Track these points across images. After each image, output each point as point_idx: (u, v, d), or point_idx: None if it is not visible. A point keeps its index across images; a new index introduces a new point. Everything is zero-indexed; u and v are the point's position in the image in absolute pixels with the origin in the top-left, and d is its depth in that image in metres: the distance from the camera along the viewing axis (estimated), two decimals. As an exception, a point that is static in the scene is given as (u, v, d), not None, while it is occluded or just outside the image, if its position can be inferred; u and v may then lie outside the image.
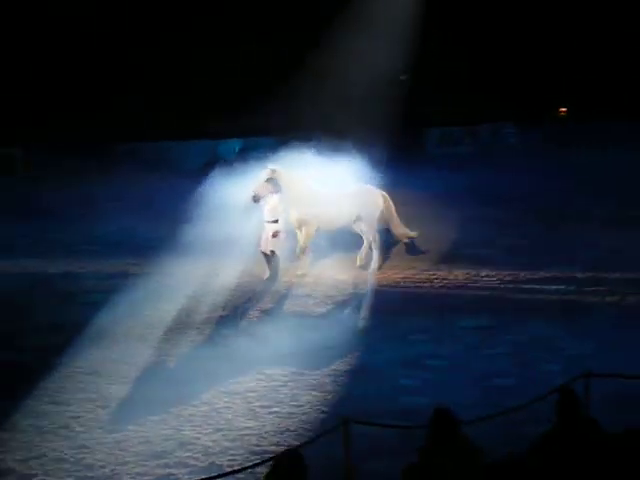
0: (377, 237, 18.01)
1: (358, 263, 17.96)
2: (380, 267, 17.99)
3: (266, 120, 32.90)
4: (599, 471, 7.27)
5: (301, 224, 17.50)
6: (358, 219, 17.90)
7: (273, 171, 16.98)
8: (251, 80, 37.25)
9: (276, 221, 17.13)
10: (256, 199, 16.82)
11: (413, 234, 18.68)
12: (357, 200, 17.76)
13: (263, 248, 17.20)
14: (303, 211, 17.33)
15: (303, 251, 17.56)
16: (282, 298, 16.40)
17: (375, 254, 17.96)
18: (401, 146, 32.18)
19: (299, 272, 17.52)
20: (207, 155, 31.42)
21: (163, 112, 35.68)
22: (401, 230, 18.48)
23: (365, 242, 18.11)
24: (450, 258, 19.00)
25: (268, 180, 16.87)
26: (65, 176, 28.32)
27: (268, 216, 17.14)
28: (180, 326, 14.68)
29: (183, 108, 35.77)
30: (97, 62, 36.45)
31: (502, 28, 42.14)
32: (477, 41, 41.47)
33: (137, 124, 34.21)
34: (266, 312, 15.53)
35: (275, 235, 17.02)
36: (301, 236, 17.61)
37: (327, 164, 17.55)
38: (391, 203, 18.22)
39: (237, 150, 31.93)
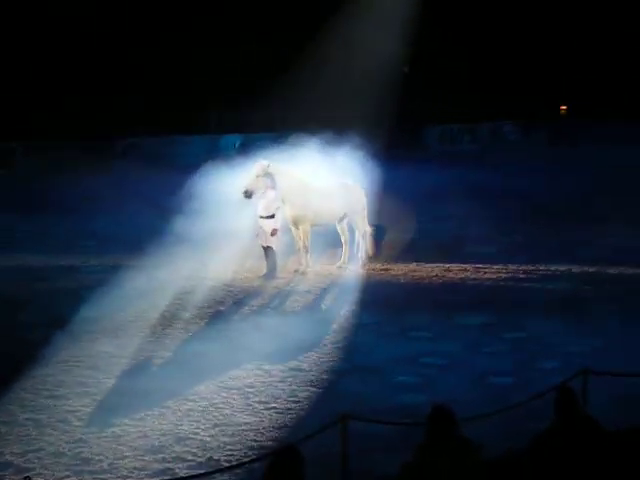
0: (368, 229, 17.98)
1: (339, 264, 17.90)
2: (369, 261, 17.96)
3: (266, 115, 32.94)
4: (598, 469, 7.27)
5: (296, 221, 17.45)
6: (345, 216, 17.88)
7: (265, 166, 16.91)
8: (251, 74, 37.28)
9: (272, 216, 17.08)
10: (248, 195, 16.74)
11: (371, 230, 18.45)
12: (346, 196, 17.72)
13: (262, 243, 17.19)
14: (298, 207, 17.29)
15: (306, 249, 17.52)
16: (280, 293, 16.39)
17: (363, 248, 17.91)
18: (401, 143, 32.22)
19: (300, 270, 17.49)
20: (208, 150, 31.41)
21: (163, 107, 35.72)
22: (367, 227, 18.28)
23: (343, 242, 18.02)
24: (449, 255, 19.00)
25: (260, 175, 16.79)
26: (64, 171, 28.33)
27: (263, 211, 17.08)
28: (178, 321, 14.67)
29: (183, 103, 35.81)
30: (98, 59, 36.47)
31: (503, 26, 42.16)
32: (478, 38, 41.49)
33: (137, 120, 34.22)
34: (264, 307, 15.52)
35: (274, 233, 17.00)
36: (297, 233, 17.57)
37: (322, 159, 17.53)
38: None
39: (237, 145, 31.93)
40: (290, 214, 17.38)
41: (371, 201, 18.22)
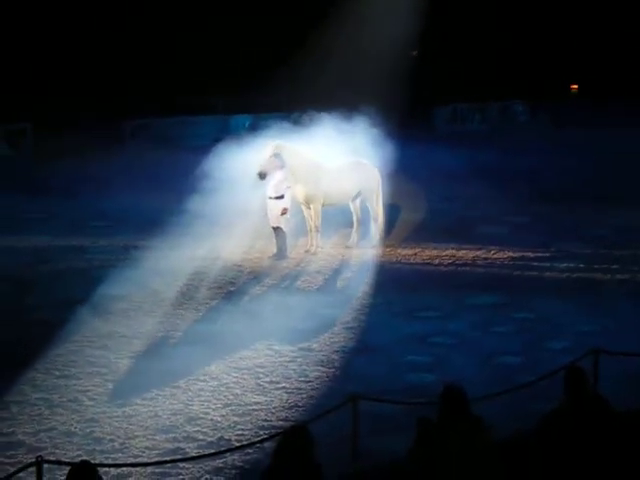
0: (381, 211, 17.96)
1: (348, 244, 17.90)
2: (381, 241, 17.94)
3: (275, 95, 32.87)
4: (607, 448, 7.28)
5: (308, 200, 17.46)
6: (359, 194, 17.85)
7: (277, 146, 16.93)
8: (260, 55, 37.18)
9: (281, 197, 17.06)
10: (262, 176, 16.78)
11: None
12: (358, 175, 17.69)
13: (272, 224, 17.19)
14: (310, 187, 17.29)
15: (317, 229, 17.53)
16: (290, 274, 16.41)
17: (376, 228, 17.90)
18: (411, 123, 32.12)
19: (311, 250, 17.50)
20: (217, 130, 31.36)
21: (173, 88, 35.68)
22: (380, 209, 18.23)
23: (355, 222, 18.02)
24: (459, 236, 18.97)
25: (273, 155, 16.81)
26: (74, 152, 28.31)
27: (272, 192, 17.06)
28: (189, 301, 14.71)
29: (191, 84, 35.76)
30: (107, 41, 36.43)
31: (513, 6, 41.90)
32: (488, 19, 41.26)
33: (146, 100, 34.20)
34: (274, 288, 15.55)
35: (284, 212, 16.99)
36: (308, 212, 17.57)
37: (334, 138, 17.49)
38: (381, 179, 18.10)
39: (247, 125, 31.87)
40: (301, 193, 17.38)
41: (383, 181, 18.16)
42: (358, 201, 17.99)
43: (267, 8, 38.33)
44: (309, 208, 17.52)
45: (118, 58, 36.81)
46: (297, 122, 19.29)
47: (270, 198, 17.09)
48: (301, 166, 17.14)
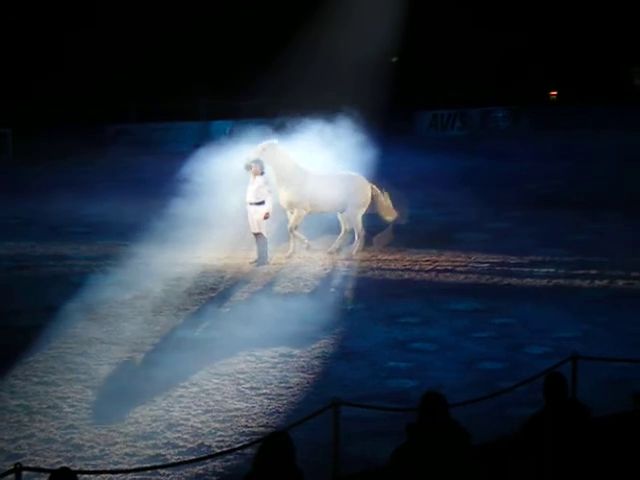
0: (360, 225, 17.91)
1: (330, 250, 17.89)
2: (360, 252, 17.90)
3: (257, 100, 32.87)
4: (587, 454, 7.32)
5: (291, 205, 17.47)
6: (345, 206, 17.83)
7: (269, 144, 17.05)
8: (241, 59, 37.17)
9: (262, 202, 17.03)
10: (249, 167, 16.88)
11: (394, 217, 18.38)
12: (346, 187, 17.68)
13: (253, 229, 17.18)
14: (293, 190, 17.31)
15: (292, 232, 17.53)
16: (271, 280, 16.40)
17: (357, 241, 17.89)
18: (392, 129, 32.16)
19: (287, 253, 17.52)
20: (199, 136, 31.32)
21: (154, 93, 35.60)
22: (389, 217, 18.30)
23: (342, 230, 18.05)
24: (440, 241, 19.03)
25: (267, 150, 16.95)
26: (55, 156, 28.23)
27: (252, 198, 17.03)
28: (169, 307, 14.67)
29: (174, 89, 35.70)
30: (89, 44, 36.34)
31: (492, 12, 42.10)
32: (468, 25, 41.45)
33: (129, 105, 34.12)
34: (255, 294, 15.53)
35: (266, 217, 16.98)
36: (290, 217, 17.60)
37: (315, 145, 17.53)
38: (379, 192, 18.07)
39: (228, 131, 31.84)
40: (284, 198, 17.42)
41: (376, 195, 18.07)
42: (347, 211, 17.93)
43: (248, 12, 38.38)
44: (292, 213, 17.54)
45: (100, 62, 36.74)
46: (279, 127, 19.28)
47: (250, 204, 17.06)
48: (286, 167, 17.19)
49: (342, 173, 17.84)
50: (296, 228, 17.58)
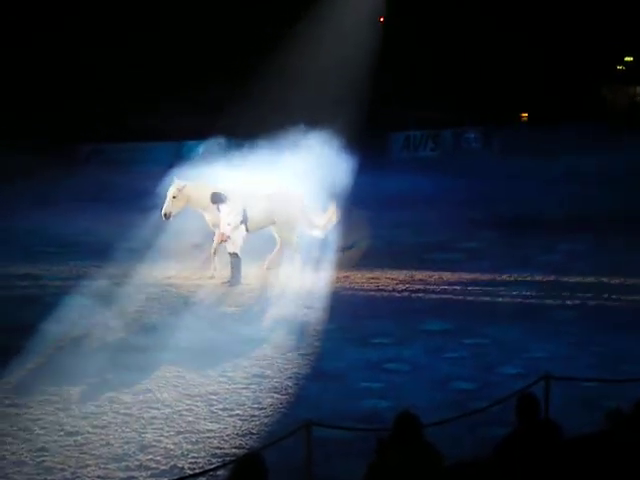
0: (295, 240, 17.93)
1: (266, 266, 17.91)
2: (299, 268, 17.84)
3: (230, 119, 32.87)
4: (558, 474, 7.35)
5: (214, 226, 17.63)
6: (274, 223, 17.90)
7: (177, 186, 17.44)
8: (213, 79, 37.21)
9: (241, 223, 17.20)
10: (167, 216, 17.48)
11: (324, 224, 18.18)
12: (272, 203, 17.75)
13: (229, 250, 17.21)
14: (215, 214, 17.48)
15: (214, 252, 17.58)
16: (244, 300, 16.37)
17: (297, 258, 17.90)
18: (365, 149, 32.29)
19: (209, 274, 17.54)
20: (172, 155, 31.26)
21: (127, 113, 35.55)
22: (317, 231, 18.15)
23: (277, 245, 18.10)
24: (412, 262, 19.08)
25: (177, 196, 17.40)
26: (26, 176, 28.06)
27: (227, 222, 17.13)
28: (140, 329, 14.60)
29: (147, 108, 35.66)
30: (61, 62, 36.24)
31: (465, 35, 42.48)
32: (441, 47, 41.78)
33: (101, 124, 34.07)
34: (227, 315, 15.49)
35: (224, 239, 17.07)
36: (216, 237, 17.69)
37: (283, 164, 17.62)
38: (305, 204, 18.02)
39: (201, 151, 31.79)
40: (210, 221, 17.72)
41: (304, 209, 18.08)
42: (279, 228, 17.98)
43: (221, 26, 38.51)
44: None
45: (73, 80, 36.66)
46: (251, 147, 19.33)
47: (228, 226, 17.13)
48: (203, 198, 17.36)
49: (269, 190, 17.85)
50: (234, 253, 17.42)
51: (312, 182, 17.74)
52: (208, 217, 17.75)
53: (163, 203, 17.51)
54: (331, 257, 18.21)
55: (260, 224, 17.84)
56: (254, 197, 17.59)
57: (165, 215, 17.48)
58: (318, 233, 18.15)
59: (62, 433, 10.62)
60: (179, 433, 10.68)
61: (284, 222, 17.89)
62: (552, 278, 17.93)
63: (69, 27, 37.03)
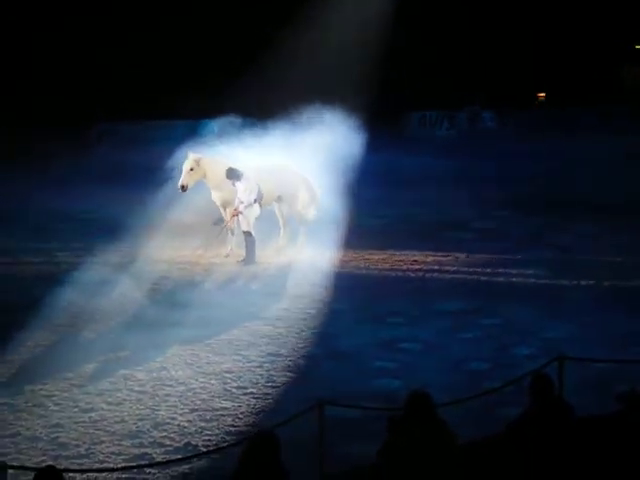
0: (303, 213, 17.93)
1: (279, 245, 17.90)
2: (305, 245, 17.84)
3: (246, 99, 32.81)
4: (571, 453, 7.34)
5: (224, 205, 17.62)
6: (279, 198, 17.89)
7: (196, 160, 17.34)
8: (230, 57, 37.13)
9: (254, 202, 17.20)
10: (184, 189, 17.32)
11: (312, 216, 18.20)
12: (276, 178, 17.74)
13: (243, 228, 17.22)
14: (225, 192, 17.46)
15: (230, 230, 17.56)
16: (258, 279, 16.38)
17: (303, 232, 17.94)
18: (380, 128, 32.20)
19: (224, 253, 17.54)
20: (186, 135, 31.22)
21: (141, 92, 35.53)
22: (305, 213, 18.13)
23: (282, 226, 18.09)
24: (427, 241, 19.04)
25: (194, 168, 17.28)
26: (41, 155, 28.11)
27: (242, 200, 17.11)
28: (155, 305, 14.64)
29: (160, 88, 35.64)
30: (75, 43, 36.23)
31: (482, 14, 42.19)
32: (458, 26, 41.51)
33: (116, 104, 34.07)
34: (242, 293, 15.51)
35: (235, 214, 17.08)
36: (225, 215, 17.66)
37: (299, 144, 17.59)
38: (311, 184, 18.02)
39: (216, 130, 31.75)
40: (219, 199, 17.68)
41: (308, 184, 18.01)
42: (284, 205, 17.99)
43: (235, 9, 38.37)
44: (225, 210, 17.71)
45: (87, 60, 36.63)
46: (265, 127, 19.27)
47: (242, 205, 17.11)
48: (218, 172, 17.28)
49: (272, 164, 17.83)
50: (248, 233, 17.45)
51: (323, 160, 17.69)
52: (218, 194, 17.64)
53: (179, 177, 17.42)
54: (344, 236, 18.16)
55: (268, 200, 17.81)
56: (266, 171, 17.59)
57: (182, 187, 17.29)
58: (312, 211, 18.10)
59: (76, 410, 10.68)
60: (193, 411, 10.72)
61: (294, 196, 17.85)
62: (567, 258, 17.86)
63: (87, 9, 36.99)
